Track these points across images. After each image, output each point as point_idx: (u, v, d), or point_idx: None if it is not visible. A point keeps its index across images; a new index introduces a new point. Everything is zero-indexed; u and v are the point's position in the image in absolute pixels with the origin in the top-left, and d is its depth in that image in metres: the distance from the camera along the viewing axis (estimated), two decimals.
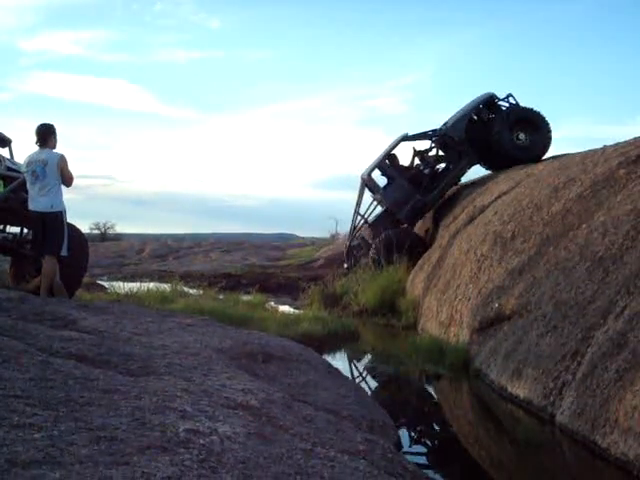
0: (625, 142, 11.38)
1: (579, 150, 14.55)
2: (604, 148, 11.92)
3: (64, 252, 8.82)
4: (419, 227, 19.68)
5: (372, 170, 18.30)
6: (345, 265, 19.22)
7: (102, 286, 18.72)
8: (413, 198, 17.76)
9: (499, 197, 13.34)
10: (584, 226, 8.51)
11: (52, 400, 3.19)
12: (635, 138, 11.37)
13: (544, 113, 18.02)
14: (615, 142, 12.00)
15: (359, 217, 18.86)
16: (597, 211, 8.60)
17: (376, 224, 18.37)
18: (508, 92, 18.53)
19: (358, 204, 18.80)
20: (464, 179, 19.41)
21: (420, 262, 15.40)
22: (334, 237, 40.40)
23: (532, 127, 17.80)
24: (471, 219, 13.72)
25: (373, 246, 17.27)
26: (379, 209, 18.84)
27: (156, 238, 59.11)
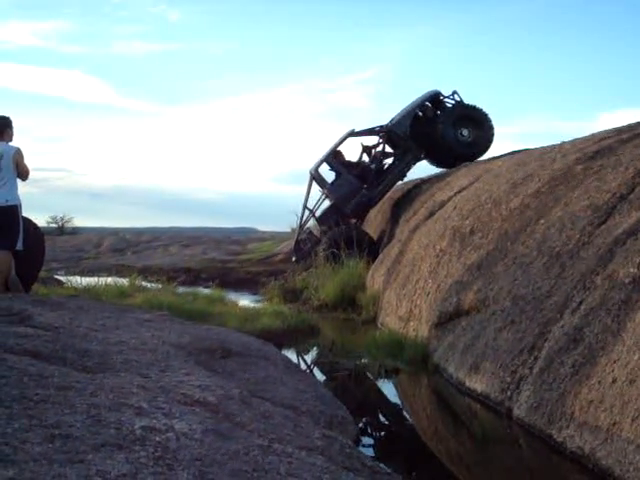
0: (583, 138, 11.51)
1: (538, 145, 14.73)
2: (562, 144, 12.05)
3: (19, 246, 8.69)
4: (375, 225, 19.82)
5: (319, 165, 18.61)
6: (293, 258, 19.42)
7: (59, 281, 18.50)
8: (359, 193, 18.07)
9: (459, 192, 13.41)
10: (542, 222, 8.58)
11: (6, 397, 3.14)
12: (592, 134, 11.50)
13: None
14: (573, 138, 12.14)
15: (307, 211, 19.01)
16: (554, 207, 8.68)
17: (323, 218, 18.65)
18: (453, 89, 18.99)
19: (306, 198, 18.97)
20: (423, 174, 19.68)
21: (380, 256, 15.44)
22: (295, 231, 40.30)
23: (475, 124, 18.25)
24: (431, 214, 13.78)
25: (323, 241, 17.45)
26: (327, 203, 19.04)
27: (114, 232, 58.53)
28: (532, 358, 6.36)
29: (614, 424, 4.70)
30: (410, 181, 19.84)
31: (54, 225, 62.81)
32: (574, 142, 11.43)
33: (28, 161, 8.94)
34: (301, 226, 19.40)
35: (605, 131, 11.17)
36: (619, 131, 10.42)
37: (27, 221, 9.59)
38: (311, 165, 19.04)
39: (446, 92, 19.20)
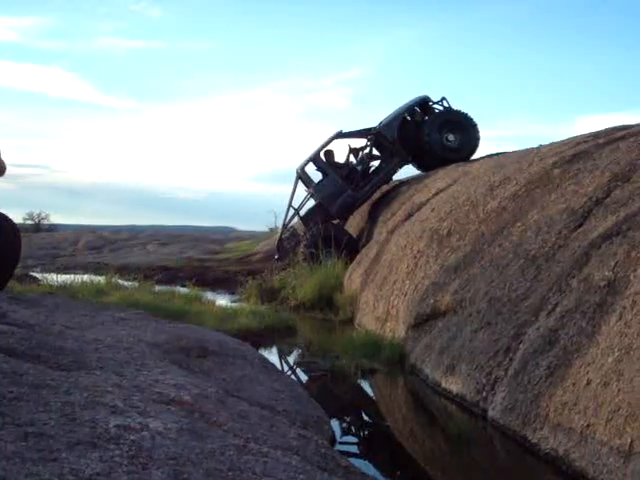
0: (560, 142, 11.59)
1: (516, 148, 14.83)
2: (540, 147, 12.13)
3: None
4: (354, 226, 19.91)
5: (306, 164, 18.75)
6: (276, 256, 19.54)
7: (35, 278, 18.37)
8: (345, 193, 18.20)
9: (436, 194, 13.46)
10: (518, 224, 8.64)
11: None
12: (570, 138, 11.58)
13: (475, 115, 18.82)
14: (550, 142, 12.21)
15: (292, 210, 19.13)
16: (531, 210, 8.73)
17: (308, 217, 18.79)
18: (442, 95, 19.29)
19: (292, 197, 19.09)
20: (402, 176, 19.84)
21: (358, 257, 15.47)
22: (273, 231, 40.34)
23: (461, 129, 18.50)
24: (409, 215, 13.83)
25: (304, 241, 17.59)
26: (312, 203, 19.16)
27: (92, 230, 58.17)
28: (507, 360, 6.40)
29: (588, 426, 4.74)
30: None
31: (31, 222, 62.42)
32: (551, 146, 11.50)
33: (5, 157, 8.84)
34: (285, 225, 19.50)
35: (582, 135, 11.25)
36: (596, 135, 10.50)
37: (2, 217, 9.51)
38: (292, 164, 19.19)
39: (434, 96, 19.45)
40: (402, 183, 18.87)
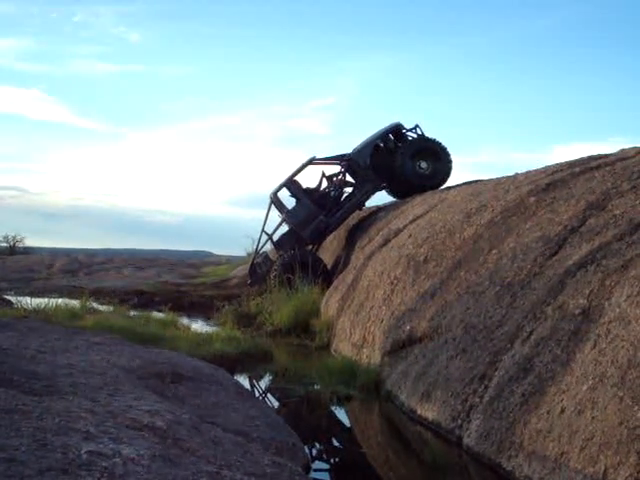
0: (536, 170, 11.69)
1: (493, 176, 14.93)
2: (516, 175, 12.22)
3: None
4: (331, 251, 19.94)
5: (279, 189, 18.81)
6: (249, 281, 19.53)
7: (9, 301, 18.20)
8: (317, 219, 18.24)
9: (414, 220, 13.50)
10: (494, 251, 8.68)
11: None
12: (546, 167, 11.69)
13: (447, 143, 19.06)
14: (527, 170, 12.32)
15: (265, 235, 19.15)
16: (507, 237, 8.78)
17: (281, 242, 18.80)
18: (415, 123, 19.43)
19: (265, 222, 19.14)
20: (379, 202, 19.93)
21: (335, 283, 15.46)
22: (251, 255, 40.24)
23: (434, 157, 18.64)
24: (386, 241, 13.85)
25: (275, 266, 17.60)
26: (286, 228, 19.20)
27: (67, 253, 57.79)
28: (483, 387, 6.40)
29: (562, 454, 4.75)
30: (366, 208, 20.06)
31: (5, 244, 61.91)
32: (527, 174, 11.60)
33: None
34: (258, 250, 19.52)
35: (558, 164, 11.36)
36: (571, 164, 10.60)
37: None
38: (269, 189, 19.22)
39: (408, 123, 19.60)
40: (379, 209, 18.96)
